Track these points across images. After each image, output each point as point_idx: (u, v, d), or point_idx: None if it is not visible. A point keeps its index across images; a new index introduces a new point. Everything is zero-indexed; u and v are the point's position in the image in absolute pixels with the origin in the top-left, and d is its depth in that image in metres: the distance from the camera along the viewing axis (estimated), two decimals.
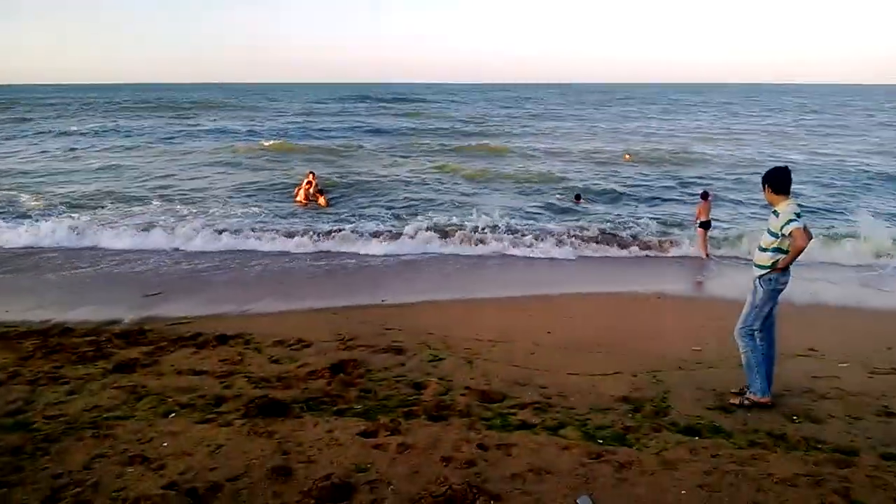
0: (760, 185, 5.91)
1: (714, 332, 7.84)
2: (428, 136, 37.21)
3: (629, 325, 8.75)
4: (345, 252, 13.30)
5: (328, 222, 15.84)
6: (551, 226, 15.58)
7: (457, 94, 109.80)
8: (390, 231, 14.75)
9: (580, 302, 10.17)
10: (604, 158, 28.26)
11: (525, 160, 27.59)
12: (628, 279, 11.70)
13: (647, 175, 24.03)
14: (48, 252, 12.98)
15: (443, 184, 22.00)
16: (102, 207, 17.58)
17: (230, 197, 19.30)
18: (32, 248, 13.33)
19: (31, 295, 10.00)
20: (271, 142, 32.52)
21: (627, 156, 27.92)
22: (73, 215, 16.29)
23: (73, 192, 19.80)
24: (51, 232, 14.13)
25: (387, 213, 17.30)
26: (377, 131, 40.39)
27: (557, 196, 19.71)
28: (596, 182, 22.29)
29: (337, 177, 22.39)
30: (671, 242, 14.13)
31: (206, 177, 23.33)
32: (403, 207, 18.05)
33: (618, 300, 10.31)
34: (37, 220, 15.43)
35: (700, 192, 14.41)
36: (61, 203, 18.01)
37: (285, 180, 21.45)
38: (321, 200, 18.44)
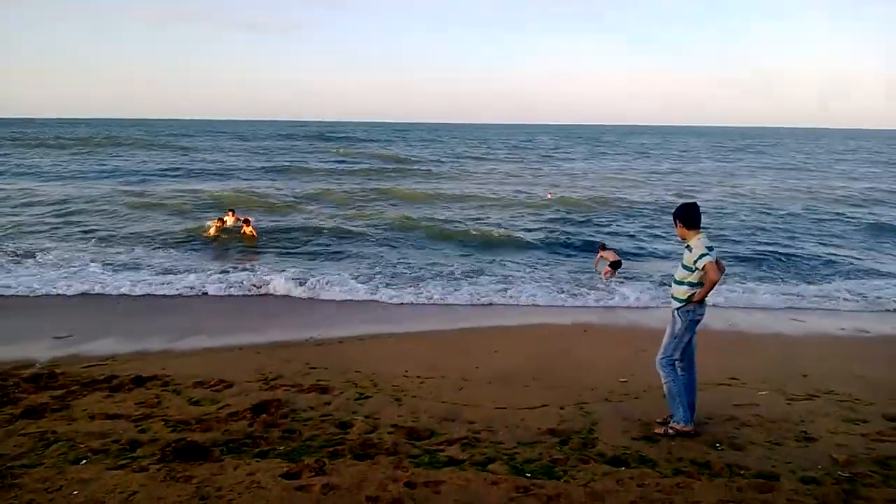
0: (672, 221, 6.15)
1: (639, 363, 7.99)
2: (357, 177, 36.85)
3: (556, 358, 8.83)
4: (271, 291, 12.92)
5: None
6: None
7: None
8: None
9: (507, 335, 10.22)
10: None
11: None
12: (551, 312, 11.86)
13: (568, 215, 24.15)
14: None
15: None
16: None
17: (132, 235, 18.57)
18: None
19: None
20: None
21: (550, 193, 28.49)
22: None
23: None
24: None
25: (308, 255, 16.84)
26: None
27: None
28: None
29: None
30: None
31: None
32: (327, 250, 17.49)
33: (544, 332, 10.41)
34: None
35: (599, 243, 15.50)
36: None
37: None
38: (248, 230, 17.93)
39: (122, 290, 12.62)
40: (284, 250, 17.11)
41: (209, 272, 13.92)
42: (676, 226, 6.06)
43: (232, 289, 12.82)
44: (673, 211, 6.16)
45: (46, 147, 55.64)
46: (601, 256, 14.31)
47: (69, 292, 12.45)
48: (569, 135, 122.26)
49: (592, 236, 19.65)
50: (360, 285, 13.23)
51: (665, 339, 6.11)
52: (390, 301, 12.33)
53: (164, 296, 12.46)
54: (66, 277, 13.36)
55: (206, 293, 12.66)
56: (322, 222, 21.17)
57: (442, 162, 48.66)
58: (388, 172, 39.04)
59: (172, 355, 8.75)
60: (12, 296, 12.20)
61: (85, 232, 19.00)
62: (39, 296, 12.26)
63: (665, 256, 17.06)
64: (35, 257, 15.28)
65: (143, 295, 12.46)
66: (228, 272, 14.04)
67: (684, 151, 70.84)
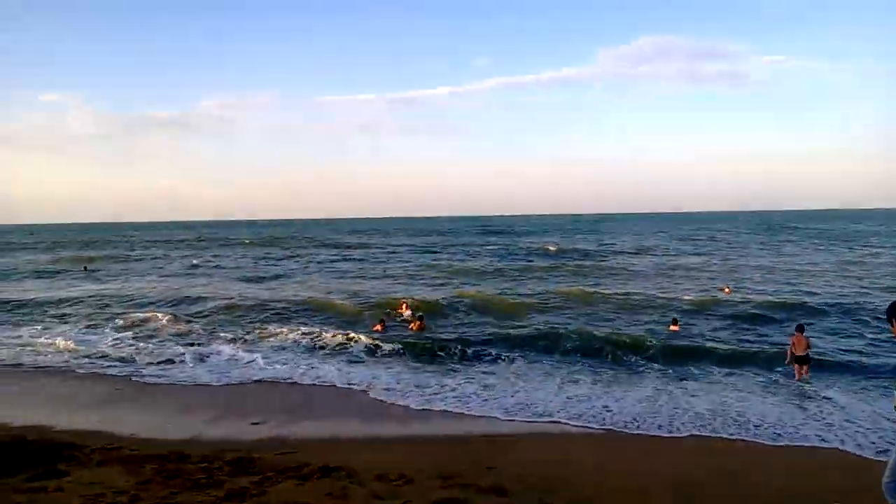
0: (886, 319, 5.54)
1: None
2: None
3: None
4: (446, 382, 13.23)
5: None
6: None
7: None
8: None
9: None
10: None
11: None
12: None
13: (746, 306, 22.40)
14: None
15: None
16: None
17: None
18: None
19: (154, 415, 10.55)
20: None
21: (727, 288, 26.67)
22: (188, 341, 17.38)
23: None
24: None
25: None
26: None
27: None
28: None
29: None
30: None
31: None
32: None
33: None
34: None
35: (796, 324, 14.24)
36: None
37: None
38: (416, 325, 18.63)
39: (306, 380, 13.58)
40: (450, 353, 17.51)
41: (387, 364, 14.62)
42: (892, 324, 5.44)
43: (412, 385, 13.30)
44: (886, 308, 5.54)
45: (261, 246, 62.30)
46: (793, 343, 13.26)
47: (259, 376, 13.63)
48: (724, 219, 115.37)
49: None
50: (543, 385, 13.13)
51: (892, 458, 5.41)
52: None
53: (335, 386, 13.24)
54: (268, 365, 14.81)
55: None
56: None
57: (606, 255, 47.78)
58: (565, 268, 37.98)
59: (355, 444, 9.16)
60: (224, 385, 13.55)
61: (284, 319, 20.64)
62: (236, 384, 13.48)
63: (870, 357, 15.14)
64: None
65: (329, 385, 13.29)
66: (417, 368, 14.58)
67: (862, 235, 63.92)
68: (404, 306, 20.56)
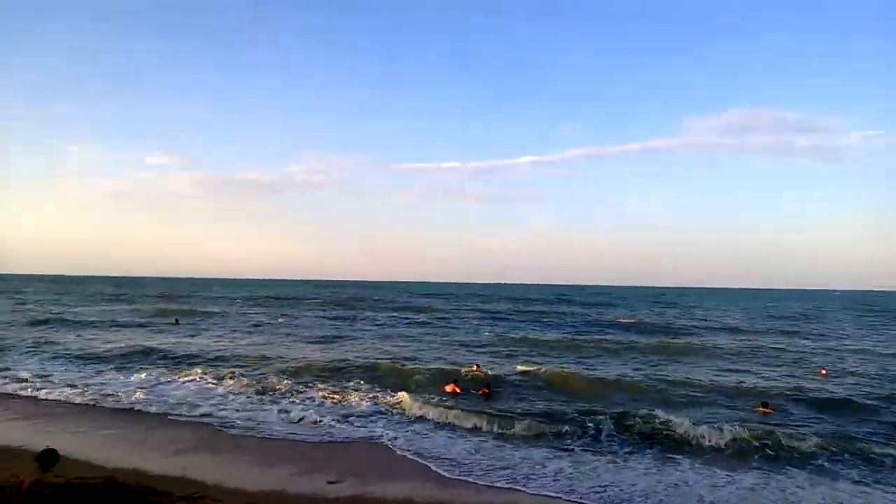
0: None
1: None
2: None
3: None
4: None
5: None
6: None
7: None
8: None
9: None
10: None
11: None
12: None
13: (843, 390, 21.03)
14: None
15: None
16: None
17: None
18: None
19: (237, 466, 10.80)
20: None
21: (824, 370, 25.23)
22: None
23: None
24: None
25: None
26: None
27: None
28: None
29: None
30: None
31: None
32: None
33: None
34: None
35: None
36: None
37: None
38: (483, 392, 18.95)
39: (383, 442, 13.64)
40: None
41: (459, 434, 14.56)
42: None
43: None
44: None
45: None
46: None
47: (338, 436, 13.74)
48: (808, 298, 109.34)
49: None
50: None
51: None
52: None
53: (406, 450, 13.17)
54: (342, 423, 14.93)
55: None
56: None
57: (689, 330, 46.10)
58: (643, 344, 35.84)
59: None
60: (304, 441, 13.76)
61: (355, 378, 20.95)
62: (315, 441, 13.67)
63: None
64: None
65: (401, 449, 13.27)
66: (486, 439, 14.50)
67: None
68: (476, 367, 21.06)
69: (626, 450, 13.49)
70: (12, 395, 17.68)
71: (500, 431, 14.71)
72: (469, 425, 15.20)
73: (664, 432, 14.64)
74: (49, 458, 7.91)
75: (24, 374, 20.90)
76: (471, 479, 11.07)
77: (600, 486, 10.97)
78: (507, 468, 11.90)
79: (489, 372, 21.43)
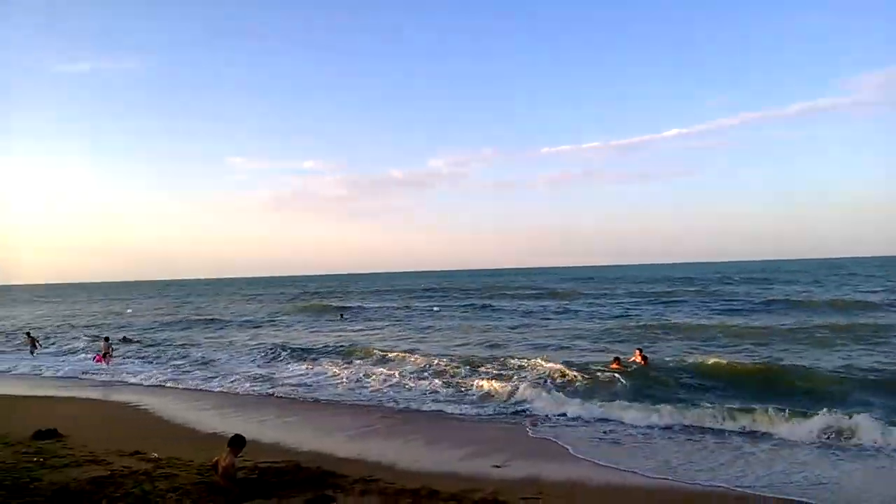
0: None
1: None
2: None
3: None
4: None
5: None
6: None
7: None
8: None
9: None
10: None
11: None
12: None
13: None
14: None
15: None
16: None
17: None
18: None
19: (409, 447, 11.17)
20: None
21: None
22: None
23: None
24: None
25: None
26: None
27: None
28: None
29: None
30: None
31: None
32: None
33: None
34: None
35: None
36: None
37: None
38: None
39: (555, 420, 13.55)
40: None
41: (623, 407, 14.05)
42: None
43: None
44: None
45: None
46: None
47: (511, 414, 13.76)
48: None
49: None
50: None
51: None
52: None
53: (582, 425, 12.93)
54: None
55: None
56: None
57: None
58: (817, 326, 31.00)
59: (604, 491, 8.79)
60: (476, 421, 13.99)
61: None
62: (487, 420, 13.82)
63: None
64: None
65: (579, 424, 13.11)
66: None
67: None
68: (637, 353, 20.07)
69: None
70: (204, 391, 19.49)
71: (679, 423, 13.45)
72: (646, 418, 13.75)
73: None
74: (238, 442, 8.56)
75: (257, 372, 22.62)
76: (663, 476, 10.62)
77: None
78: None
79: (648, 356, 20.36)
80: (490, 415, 14.63)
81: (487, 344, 27.35)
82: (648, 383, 17.21)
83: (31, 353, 30.06)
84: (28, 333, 33.09)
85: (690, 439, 11.94)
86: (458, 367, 20.53)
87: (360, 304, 61.02)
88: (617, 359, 19.48)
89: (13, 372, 25.10)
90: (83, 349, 31.89)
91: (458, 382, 18.41)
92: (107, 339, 28.36)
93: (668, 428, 12.89)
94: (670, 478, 9.62)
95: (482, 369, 20.06)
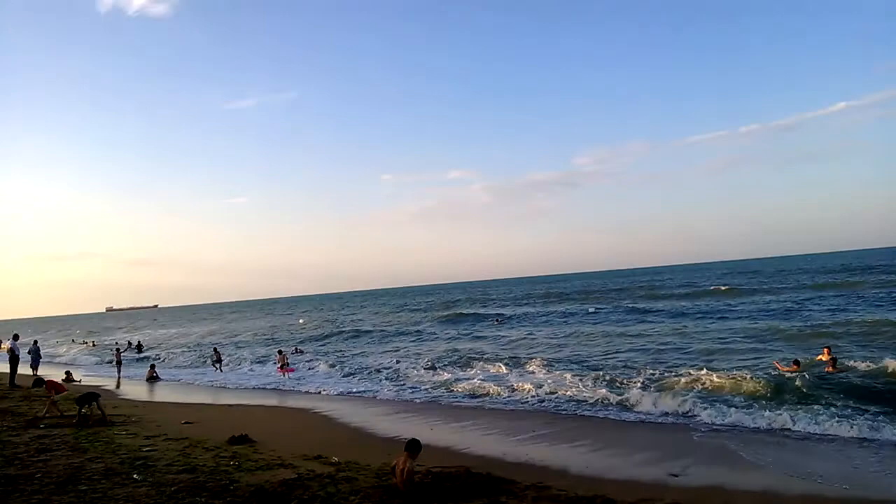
0: None
1: None
2: None
3: None
4: None
5: None
6: None
7: None
8: None
9: None
10: None
11: None
12: None
13: None
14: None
15: None
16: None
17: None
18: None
19: (582, 451, 10.99)
20: None
21: None
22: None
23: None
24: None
25: None
26: None
27: None
28: None
29: None
30: None
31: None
32: None
33: None
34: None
35: None
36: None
37: None
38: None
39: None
40: None
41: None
42: None
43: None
44: None
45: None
46: None
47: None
48: None
49: None
50: None
51: None
52: None
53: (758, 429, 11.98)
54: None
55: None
56: None
57: None
58: None
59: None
60: (646, 423, 13.52)
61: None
62: (657, 423, 13.28)
63: None
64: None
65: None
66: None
67: None
68: (826, 353, 18.38)
69: None
70: (369, 399, 20.37)
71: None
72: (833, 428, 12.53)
73: None
74: (415, 447, 8.83)
75: (423, 378, 23.29)
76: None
77: None
78: None
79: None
80: (656, 421, 14.08)
81: (647, 348, 26.39)
82: (835, 389, 15.35)
83: (216, 367, 32.83)
84: (215, 349, 36.31)
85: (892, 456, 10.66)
86: (619, 372, 19.92)
87: (513, 309, 61.21)
88: (796, 361, 17.95)
89: (204, 383, 27.70)
90: (262, 361, 34.55)
91: (619, 386, 17.88)
92: (280, 351, 30.62)
93: (863, 440, 11.57)
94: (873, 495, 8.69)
95: (643, 374, 19.36)
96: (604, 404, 15.98)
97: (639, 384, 17.76)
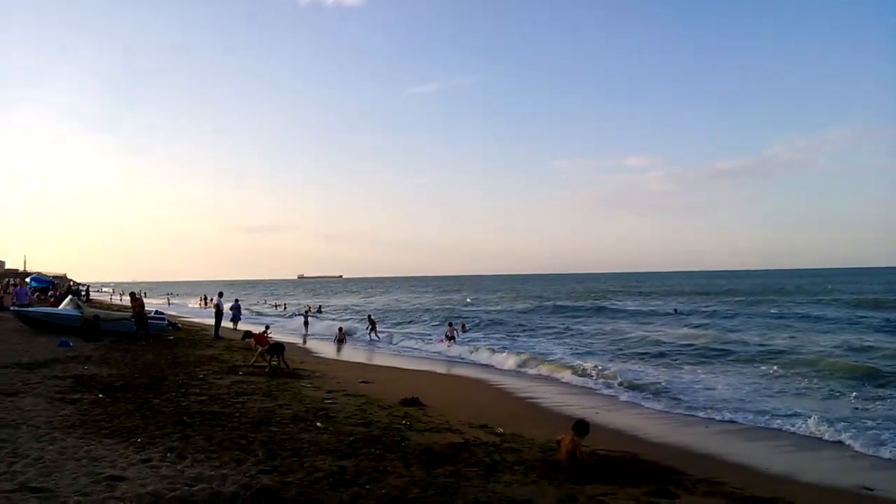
0: None
1: None
2: None
3: None
4: None
5: None
6: None
7: None
8: None
9: None
10: None
11: None
12: None
13: None
14: None
15: None
16: None
17: None
18: None
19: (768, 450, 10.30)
20: None
21: None
22: None
23: None
24: None
25: None
26: None
27: None
28: None
29: None
30: None
31: None
32: None
33: None
34: None
35: None
36: None
37: None
38: None
39: None
40: None
41: None
42: None
43: None
44: None
45: None
46: None
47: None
48: None
49: None
50: None
51: None
52: None
53: None
54: None
55: None
56: None
57: None
58: None
59: None
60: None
61: None
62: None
63: None
64: None
65: None
66: None
67: None
68: None
69: None
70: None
71: None
72: None
73: None
74: (583, 427, 8.75)
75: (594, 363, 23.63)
76: None
77: None
78: None
79: None
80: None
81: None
82: None
83: (372, 334, 33.64)
84: (369, 317, 37.55)
85: None
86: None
87: (694, 302, 58.81)
88: None
89: (378, 348, 29.38)
90: (429, 333, 35.92)
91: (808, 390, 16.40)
92: (450, 323, 31.63)
93: None
94: None
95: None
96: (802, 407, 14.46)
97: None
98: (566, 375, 19.60)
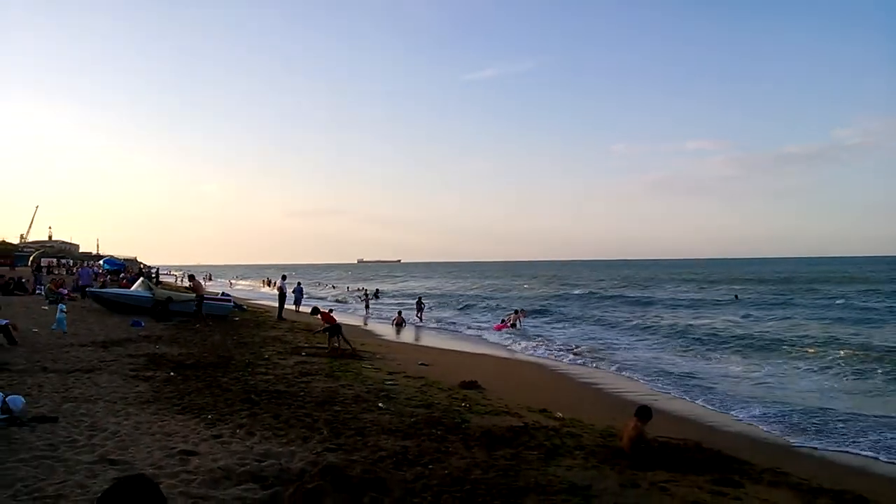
0: None
1: None
2: None
3: None
4: None
5: None
6: None
7: None
8: None
9: None
10: None
11: None
12: None
13: None
14: None
15: None
16: None
17: None
18: None
19: None
20: None
21: None
22: None
23: None
24: None
25: None
26: None
27: None
28: None
29: None
30: None
31: None
32: None
33: None
34: None
35: None
36: None
37: None
38: None
39: None
40: None
41: None
42: None
43: None
44: None
45: None
46: None
47: None
48: None
49: None
50: None
51: None
52: None
53: None
54: None
55: None
56: None
57: None
58: None
59: None
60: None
61: None
62: None
63: None
64: None
65: None
66: None
67: None
68: None
69: None
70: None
71: None
72: None
73: None
74: (645, 413, 8.68)
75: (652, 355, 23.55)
76: None
77: None
78: None
79: None
80: None
81: None
82: None
83: (418, 317, 34.54)
84: (419, 300, 38.00)
85: None
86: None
87: (755, 289, 57.26)
88: None
89: (438, 331, 29.62)
90: (486, 317, 36.03)
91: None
92: (516, 311, 31.80)
93: None
94: None
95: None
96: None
97: None
98: (625, 362, 19.37)
